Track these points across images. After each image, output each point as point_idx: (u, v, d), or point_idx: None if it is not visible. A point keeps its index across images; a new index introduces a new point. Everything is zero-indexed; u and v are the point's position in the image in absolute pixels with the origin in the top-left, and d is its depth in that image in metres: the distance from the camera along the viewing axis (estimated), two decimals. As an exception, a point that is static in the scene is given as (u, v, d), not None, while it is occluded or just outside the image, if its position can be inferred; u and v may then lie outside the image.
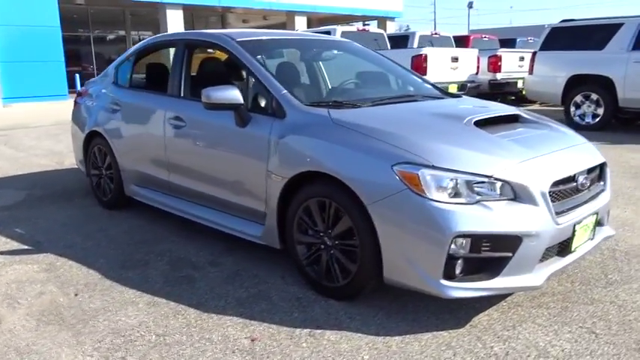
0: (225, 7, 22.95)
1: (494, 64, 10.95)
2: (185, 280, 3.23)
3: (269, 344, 2.49)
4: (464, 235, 2.40)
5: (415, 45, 12.20)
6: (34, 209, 4.84)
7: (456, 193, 2.46)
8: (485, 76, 11.00)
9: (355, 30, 11.48)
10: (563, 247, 2.71)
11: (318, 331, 2.60)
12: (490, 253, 2.46)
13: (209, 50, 4.13)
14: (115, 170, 4.52)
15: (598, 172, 3.04)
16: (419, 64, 9.32)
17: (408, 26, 75.81)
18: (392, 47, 11.82)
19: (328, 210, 2.80)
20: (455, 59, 9.90)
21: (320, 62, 4.10)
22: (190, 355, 2.42)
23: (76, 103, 5.15)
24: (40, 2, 15.95)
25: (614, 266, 3.30)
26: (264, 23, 28.54)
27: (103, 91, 4.73)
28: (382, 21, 26.72)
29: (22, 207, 4.93)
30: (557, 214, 2.57)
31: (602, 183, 3.04)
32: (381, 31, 12.18)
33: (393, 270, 2.59)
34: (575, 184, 2.72)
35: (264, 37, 3.81)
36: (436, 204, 2.41)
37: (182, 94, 3.84)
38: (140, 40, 25.88)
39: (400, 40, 12.53)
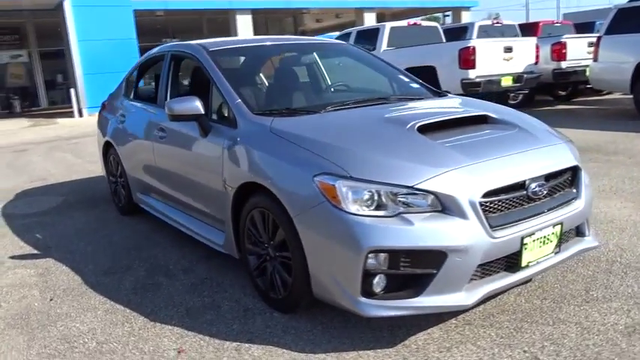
0: (296, 8, 23.26)
1: (558, 52, 10.17)
2: (152, 287, 3.32)
3: (192, 357, 2.50)
4: (380, 250, 2.26)
5: (474, 36, 11.64)
6: (61, 215, 5.19)
7: (379, 205, 2.32)
8: (548, 66, 10.25)
9: (405, 25, 11.17)
10: (511, 263, 2.47)
11: (246, 345, 2.57)
12: (411, 270, 2.30)
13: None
14: (124, 178, 4.74)
15: (568, 178, 2.74)
16: (466, 57, 8.88)
17: (497, 14, 72.50)
18: (448, 40, 11.37)
19: (268, 221, 2.75)
20: (509, 49, 9.31)
21: (301, 67, 4.03)
22: (115, 366, 2.49)
23: (99, 114, 5.45)
24: (118, 17, 17.09)
25: (604, 281, 2.96)
26: (336, 22, 28.60)
27: (116, 103, 4.97)
28: (457, 12, 25.80)
29: (53, 212, 5.31)
30: (496, 226, 2.35)
31: (574, 190, 2.74)
32: (434, 24, 11.75)
33: (318, 285, 2.50)
34: (525, 192, 2.47)
35: (242, 45, 3.81)
36: (352, 217, 2.29)
37: (166, 105, 3.94)
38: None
39: (458, 33, 12.00)
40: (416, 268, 2.30)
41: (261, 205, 2.77)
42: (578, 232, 2.84)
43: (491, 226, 2.33)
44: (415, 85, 3.84)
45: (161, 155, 3.89)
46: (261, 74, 3.77)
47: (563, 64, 10.32)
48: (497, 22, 12.07)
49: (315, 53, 4.06)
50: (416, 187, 2.30)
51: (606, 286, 2.90)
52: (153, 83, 4.82)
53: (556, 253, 2.62)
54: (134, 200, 4.69)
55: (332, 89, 3.76)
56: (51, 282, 3.53)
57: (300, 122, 2.90)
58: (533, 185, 2.49)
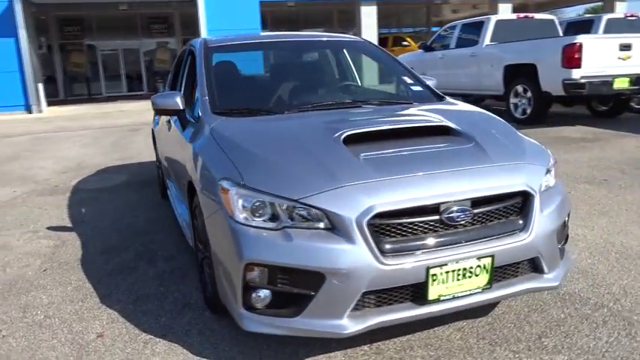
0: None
1: (696, 52, 8.67)
2: (127, 271, 3.50)
3: (105, 343, 2.61)
4: (258, 264, 2.16)
5: (600, 31, 10.40)
6: (115, 193, 5.67)
7: (274, 217, 2.21)
8: (682, 67, 8.80)
9: (515, 18, 10.26)
10: (419, 294, 2.21)
11: (157, 339, 2.61)
12: (288, 288, 2.16)
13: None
14: (160, 164, 5.04)
15: (515, 204, 2.35)
16: (571, 55, 7.92)
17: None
18: (567, 34, 10.27)
19: (200, 219, 2.76)
20: (626, 47, 8.13)
21: (298, 65, 3.90)
22: (41, 339, 2.67)
23: (157, 102, 5.83)
24: (244, 9, 18.06)
25: (569, 328, 2.53)
26: (473, 12, 27.27)
27: (164, 92, 5.28)
28: (610, 2, 23.13)
29: (112, 190, 5.82)
30: (391, 252, 2.11)
31: (519, 220, 2.34)
32: (550, 17, 10.61)
33: (220, 290, 2.46)
34: (438, 216, 2.19)
35: (245, 42, 3.82)
36: (238, 226, 2.22)
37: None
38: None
39: (582, 27, 10.78)
40: (293, 287, 2.16)
41: (197, 204, 2.78)
42: (536, 267, 2.45)
43: (382, 252, 2.10)
44: (416, 88, 3.56)
45: (167, 146, 4.08)
46: (248, 72, 3.75)
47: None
48: (632, 16, 10.63)
49: (318, 51, 3.94)
50: (300, 201, 2.15)
51: (567, 335, 2.47)
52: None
53: (486, 289, 2.28)
54: (166, 186, 4.96)
55: (317, 89, 3.61)
56: (57, 254, 3.89)
57: (242, 124, 2.86)
58: (451, 209, 2.19)
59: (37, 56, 18.31)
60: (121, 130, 11.43)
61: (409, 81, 3.64)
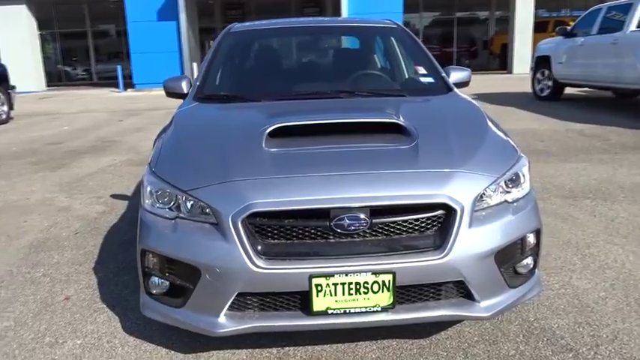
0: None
1: None
2: (129, 244, 3.69)
3: (65, 305, 2.84)
4: (151, 252, 2.18)
5: None
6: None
7: (178, 207, 2.20)
8: None
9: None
10: (305, 304, 2.05)
11: (107, 310, 2.78)
12: (173, 279, 2.15)
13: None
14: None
15: (435, 219, 2.03)
16: None
17: None
18: None
19: None
20: None
21: (310, 52, 3.73)
22: (23, 294, 2.99)
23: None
24: (389, -8, 17.87)
25: (510, 369, 2.15)
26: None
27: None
28: None
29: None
30: (270, 255, 1.98)
31: (434, 237, 2.02)
32: None
33: (143, 274, 2.53)
34: (327, 223, 1.99)
35: (258, 28, 3.77)
36: (143, 212, 2.27)
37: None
38: (496, 19, 25.26)
39: None
40: (177, 279, 2.14)
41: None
42: (467, 294, 2.11)
43: (258, 253, 1.98)
44: (427, 80, 3.23)
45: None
46: (255, 58, 3.70)
47: None
48: None
49: (339, 38, 3.75)
50: (188, 192, 2.12)
51: (497, 378, 2.11)
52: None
53: (388, 309, 2.03)
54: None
55: (312, 78, 3.42)
56: (98, 220, 4.30)
57: (202, 112, 2.90)
58: (343, 216, 1.97)
59: (195, 38, 20.06)
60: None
61: (423, 71, 3.32)
